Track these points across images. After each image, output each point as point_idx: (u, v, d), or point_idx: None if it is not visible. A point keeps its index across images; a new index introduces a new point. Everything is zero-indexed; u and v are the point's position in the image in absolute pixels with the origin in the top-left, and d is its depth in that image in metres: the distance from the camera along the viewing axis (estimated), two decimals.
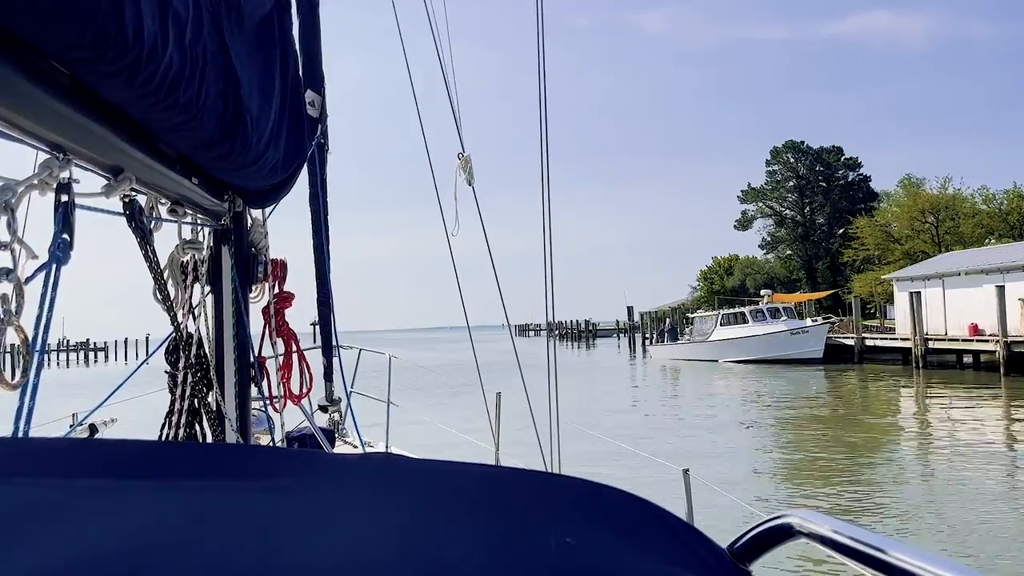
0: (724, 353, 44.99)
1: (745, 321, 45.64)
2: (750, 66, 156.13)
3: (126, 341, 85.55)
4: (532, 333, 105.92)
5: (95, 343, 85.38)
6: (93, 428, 3.91)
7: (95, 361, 78.18)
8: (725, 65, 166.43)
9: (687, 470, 3.81)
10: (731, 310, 48.86)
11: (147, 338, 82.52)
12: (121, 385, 3.06)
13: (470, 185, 5.15)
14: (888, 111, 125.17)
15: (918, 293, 37.05)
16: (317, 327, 3.65)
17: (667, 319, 63.46)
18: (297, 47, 3.16)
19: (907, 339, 36.58)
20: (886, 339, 40.57)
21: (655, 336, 63.94)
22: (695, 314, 55.70)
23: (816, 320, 45.41)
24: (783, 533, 0.92)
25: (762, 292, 51.34)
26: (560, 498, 0.95)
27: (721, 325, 47.33)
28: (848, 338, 42.29)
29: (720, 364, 43.65)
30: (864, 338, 41.55)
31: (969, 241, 54.94)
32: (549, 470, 4.11)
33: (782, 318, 44.33)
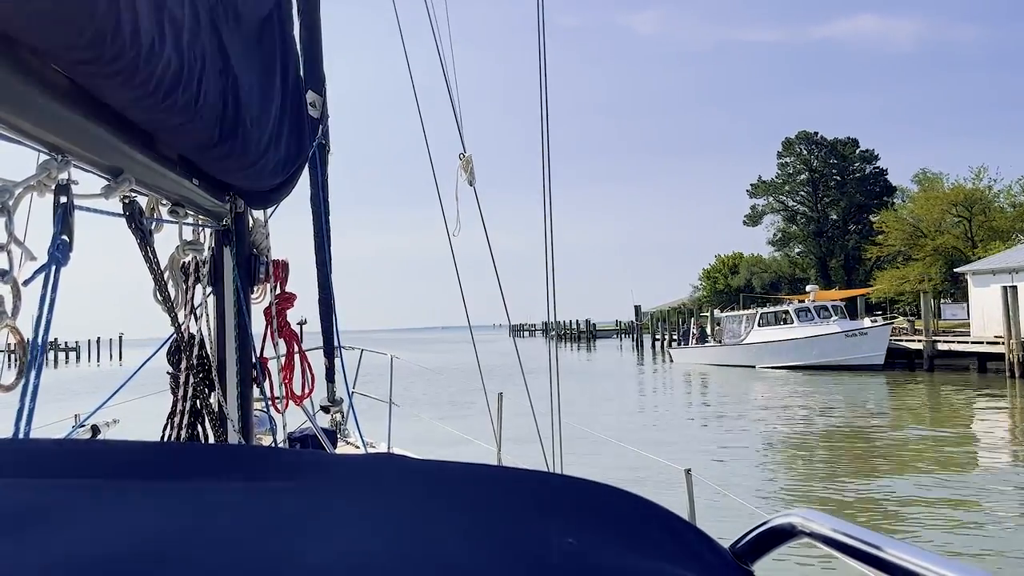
0: (763, 358, 39.34)
1: (788, 321, 39.70)
2: (743, 67, 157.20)
3: (99, 341, 79.05)
4: (527, 333, 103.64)
5: (66, 343, 75.33)
6: (95, 429, 3.91)
7: (66, 363, 69.72)
8: (718, 66, 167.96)
9: (689, 470, 3.80)
10: (771, 309, 42.75)
11: (120, 338, 79.66)
12: (122, 386, 3.06)
13: (471, 186, 5.15)
14: (883, 110, 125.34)
15: (1014, 288, 30.23)
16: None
17: (692, 318, 56.34)
18: (298, 48, 3.16)
19: (994, 342, 30.77)
20: (965, 342, 33.73)
21: (670, 337, 58.96)
22: (725, 313, 49.34)
23: (875, 320, 39.24)
24: (785, 533, 0.92)
25: (807, 288, 44.02)
26: (562, 498, 0.95)
27: (759, 326, 41.21)
28: (913, 341, 36.08)
29: (758, 371, 38.01)
30: (935, 341, 34.71)
31: (1007, 237, 50.41)
32: (551, 470, 4.10)
33: (832, 317, 38.54)
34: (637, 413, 23.97)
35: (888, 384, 30.04)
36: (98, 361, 71.06)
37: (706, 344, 47.30)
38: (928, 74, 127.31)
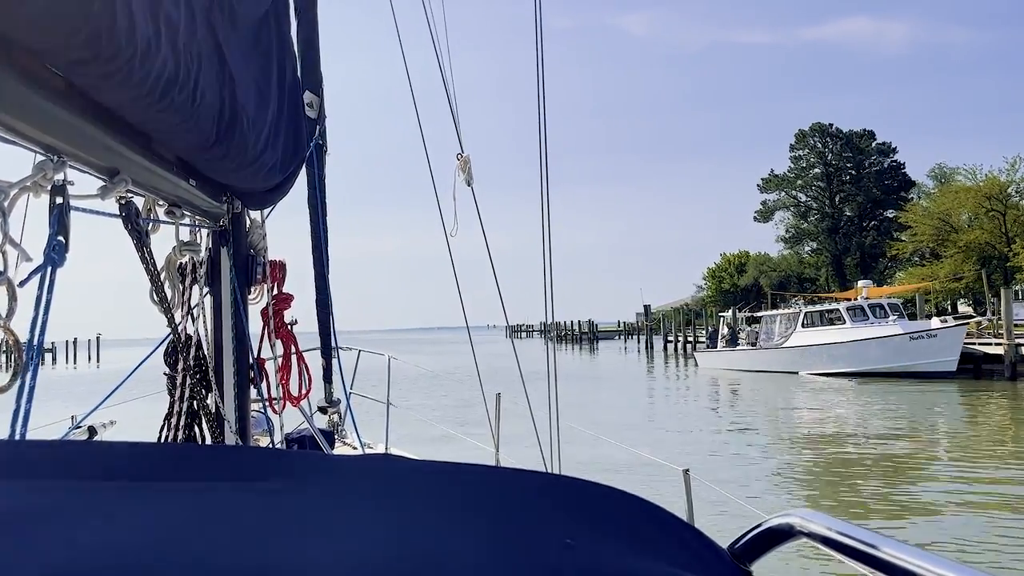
0: (808, 363, 34.50)
1: (839, 321, 34.52)
2: (739, 68, 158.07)
3: (75, 342, 74.52)
4: (524, 334, 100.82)
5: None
6: (92, 430, 3.91)
7: (42, 365, 64.17)
8: (711, 67, 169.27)
9: (687, 470, 3.80)
10: (817, 307, 37.38)
11: (98, 339, 77.15)
12: (119, 387, 3.05)
13: (469, 186, 5.15)
14: (881, 110, 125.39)
15: None
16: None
17: (722, 318, 48.71)
18: (295, 48, 3.15)
19: None
20: None
21: (685, 338, 55.09)
22: (762, 312, 43.91)
23: (946, 320, 33.79)
24: (784, 533, 0.92)
25: (859, 284, 38.33)
26: (560, 498, 0.95)
27: (804, 327, 36.17)
28: (989, 344, 30.85)
29: (801, 377, 33.26)
30: (1020, 345, 29.17)
31: None
32: (549, 470, 4.10)
33: (889, 317, 33.24)
34: (664, 431, 19.11)
35: (967, 396, 24.93)
36: (75, 363, 66.92)
37: (737, 347, 41.57)
38: (924, 75, 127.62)
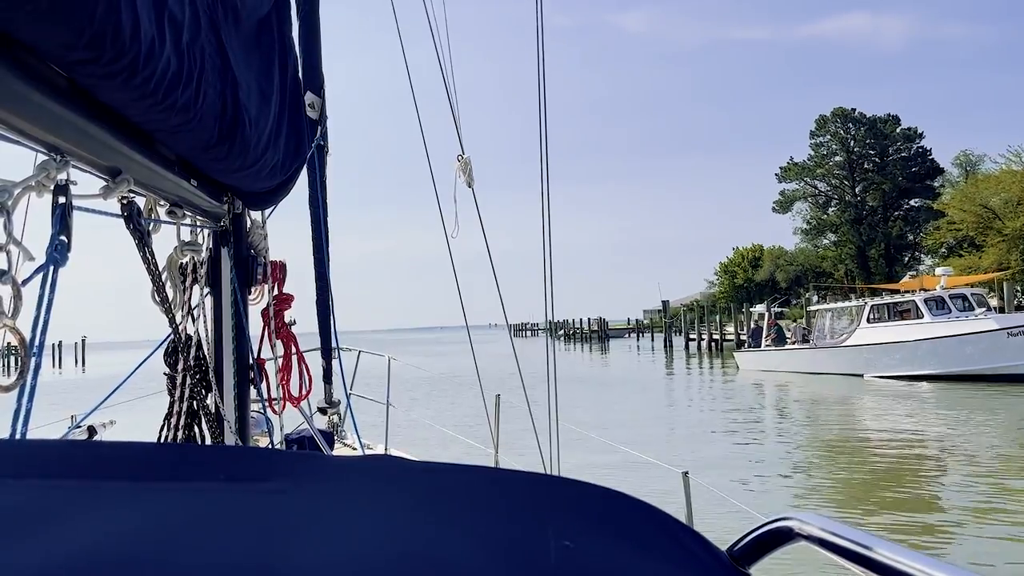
0: (875, 364, 29.63)
1: (915, 315, 29.19)
2: (734, 65, 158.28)
3: (60, 345, 69.00)
4: (529, 333, 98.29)
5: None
6: (92, 430, 3.91)
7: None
8: (710, 64, 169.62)
9: (686, 472, 3.81)
10: (883, 300, 31.80)
11: (84, 341, 74.39)
12: (119, 387, 3.06)
13: (470, 187, 5.16)
14: (878, 107, 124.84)
15: None
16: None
17: (766, 313, 41.26)
18: (297, 49, 3.16)
19: None
20: None
21: (709, 337, 51.42)
22: (816, 306, 38.95)
23: None
24: (783, 536, 0.92)
25: (938, 271, 32.13)
26: (559, 500, 0.95)
27: (870, 321, 30.84)
28: None
29: (867, 381, 28.75)
30: None
31: None
32: (548, 472, 4.10)
33: (977, 310, 28.06)
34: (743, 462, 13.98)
35: None
36: (60, 368, 62.37)
37: (784, 346, 36.32)
38: (926, 70, 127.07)
